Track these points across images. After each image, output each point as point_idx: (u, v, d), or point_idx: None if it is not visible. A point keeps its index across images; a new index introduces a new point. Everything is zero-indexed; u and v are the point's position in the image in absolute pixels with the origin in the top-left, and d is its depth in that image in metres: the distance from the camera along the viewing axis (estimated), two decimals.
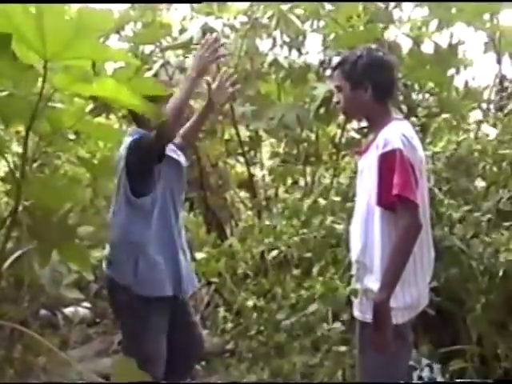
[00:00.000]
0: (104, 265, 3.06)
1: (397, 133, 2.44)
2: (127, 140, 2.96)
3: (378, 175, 2.42)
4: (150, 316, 2.95)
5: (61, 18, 1.69)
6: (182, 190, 3.15)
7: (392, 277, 2.36)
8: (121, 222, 2.96)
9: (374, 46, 2.78)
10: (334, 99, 2.69)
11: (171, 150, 3.04)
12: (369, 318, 2.42)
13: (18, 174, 2.10)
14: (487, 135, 3.94)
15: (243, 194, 5.25)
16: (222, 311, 4.02)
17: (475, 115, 4.69)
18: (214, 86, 3.07)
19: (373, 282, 2.43)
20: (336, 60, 2.70)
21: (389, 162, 2.37)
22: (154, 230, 2.94)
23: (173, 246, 3.01)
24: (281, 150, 5.15)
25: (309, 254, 3.28)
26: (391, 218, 2.41)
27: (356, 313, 2.56)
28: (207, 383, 3.94)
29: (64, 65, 1.84)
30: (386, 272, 2.37)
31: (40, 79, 2.04)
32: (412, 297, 2.48)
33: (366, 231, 2.49)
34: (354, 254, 2.58)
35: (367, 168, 2.52)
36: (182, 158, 3.14)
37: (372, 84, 2.55)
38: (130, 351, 2.89)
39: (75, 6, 1.75)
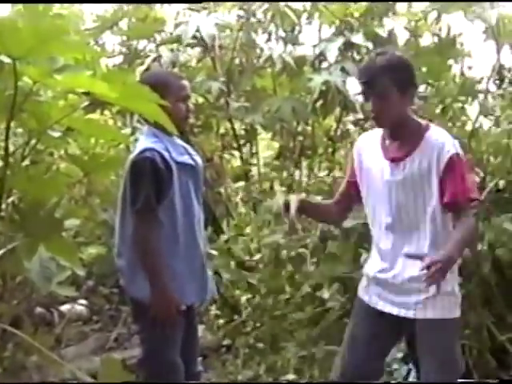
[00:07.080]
0: (121, 279, 2.89)
1: (449, 137, 2.47)
2: (137, 147, 2.78)
3: (443, 178, 2.41)
4: (171, 326, 2.76)
5: (33, 18, 1.69)
6: (200, 190, 2.92)
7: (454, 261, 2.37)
8: (129, 233, 2.74)
9: (389, 49, 2.72)
10: (371, 108, 2.46)
11: (183, 154, 2.84)
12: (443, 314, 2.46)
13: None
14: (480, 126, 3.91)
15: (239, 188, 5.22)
16: (213, 308, 3.99)
17: (473, 106, 4.63)
18: None
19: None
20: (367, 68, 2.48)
21: (457, 166, 2.40)
22: (171, 236, 2.74)
23: (195, 250, 2.82)
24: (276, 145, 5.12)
25: (302, 250, 3.25)
26: (442, 215, 2.44)
27: (431, 313, 2.46)
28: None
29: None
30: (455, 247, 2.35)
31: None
32: None
33: (424, 229, 2.46)
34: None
35: (417, 174, 2.44)
36: (197, 159, 2.93)
37: (414, 88, 2.50)
38: (150, 363, 2.78)
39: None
